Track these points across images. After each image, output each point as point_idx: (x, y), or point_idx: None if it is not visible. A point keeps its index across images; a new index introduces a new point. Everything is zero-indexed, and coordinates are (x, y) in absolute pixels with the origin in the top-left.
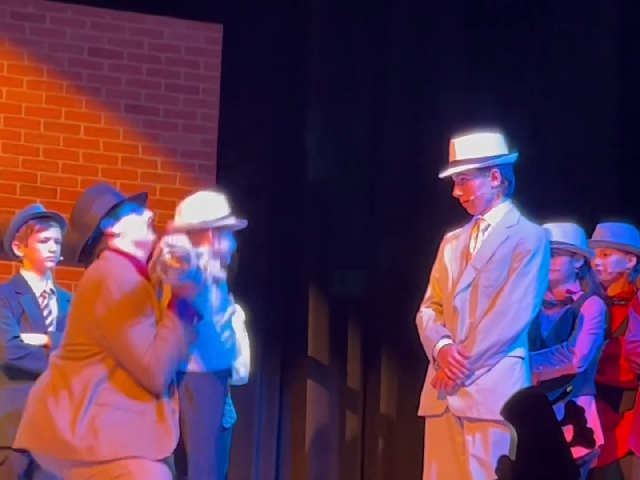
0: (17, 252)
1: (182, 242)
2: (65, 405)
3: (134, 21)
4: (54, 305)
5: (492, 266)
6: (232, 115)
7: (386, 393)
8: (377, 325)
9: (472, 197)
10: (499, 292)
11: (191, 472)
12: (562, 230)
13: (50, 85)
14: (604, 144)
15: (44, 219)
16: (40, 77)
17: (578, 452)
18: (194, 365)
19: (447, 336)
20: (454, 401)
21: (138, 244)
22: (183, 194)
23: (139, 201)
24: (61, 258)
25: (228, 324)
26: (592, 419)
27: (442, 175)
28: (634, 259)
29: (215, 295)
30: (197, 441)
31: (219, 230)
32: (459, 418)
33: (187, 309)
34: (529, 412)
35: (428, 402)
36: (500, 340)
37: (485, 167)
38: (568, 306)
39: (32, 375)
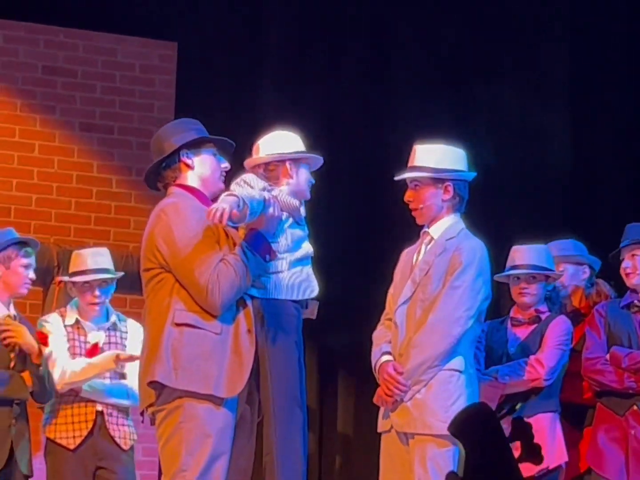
0: None
1: (249, 180)
2: (148, 331)
3: (88, 39)
4: None
5: (429, 280)
6: None
7: (343, 410)
8: (333, 343)
9: (420, 206)
10: (431, 306)
11: (273, 398)
12: (536, 254)
13: (4, 104)
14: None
15: (22, 244)
16: None
17: (529, 470)
18: (262, 292)
19: (388, 352)
20: (395, 417)
21: (207, 184)
22: (139, 212)
23: (224, 149)
24: (30, 288)
25: (301, 262)
26: (557, 435)
27: (397, 177)
28: (588, 271)
29: (288, 231)
30: (277, 368)
31: (296, 163)
32: (404, 434)
33: (261, 242)
34: (476, 428)
35: (380, 418)
36: (433, 355)
37: (439, 179)
38: (535, 325)
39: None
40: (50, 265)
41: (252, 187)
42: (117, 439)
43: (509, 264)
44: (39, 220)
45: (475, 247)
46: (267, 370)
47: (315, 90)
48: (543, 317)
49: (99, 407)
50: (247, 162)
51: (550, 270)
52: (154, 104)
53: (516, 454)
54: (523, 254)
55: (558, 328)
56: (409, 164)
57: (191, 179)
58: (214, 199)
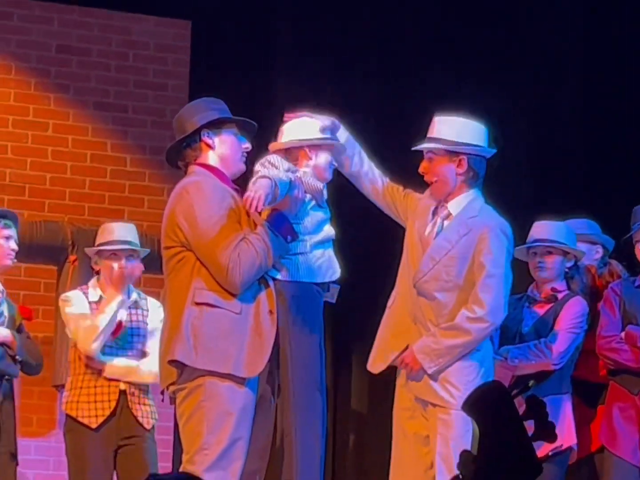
0: None
1: (273, 161)
2: (168, 310)
3: (103, 18)
4: (4, 305)
5: (453, 261)
6: None
7: (357, 389)
8: (347, 321)
9: (435, 179)
10: (458, 289)
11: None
12: (556, 229)
13: (19, 83)
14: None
15: (3, 217)
16: (8, 74)
17: (543, 449)
18: (284, 274)
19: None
20: (415, 385)
21: (227, 164)
22: (152, 191)
23: (246, 129)
24: (15, 260)
25: (323, 244)
26: (567, 417)
27: (414, 148)
28: (601, 250)
29: (311, 213)
30: (298, 352)
31: (316, 147)
32: (423, 402)
33: (283, 223)
34: (490, 406)
35: (399, 388)
36: (472, 342)
37: (454, 152)
38: (552, 304)
39: None
40: (64, 244)
41: (276, 168)
42: (139, 418)
43: (528, 239)
44: (53, 199)
45: (502, 229)
46: (287, 353)
47: (330, 67)
48: (560, 296)
49: (122, 386)
50: (270, 146)
51: (568, 245)
52: (168, 83)
53: (530, 432)
54: (541, 229)
55: (572, 310)
56: (428, 135)
57: (212, 158)
58: (235, 179)
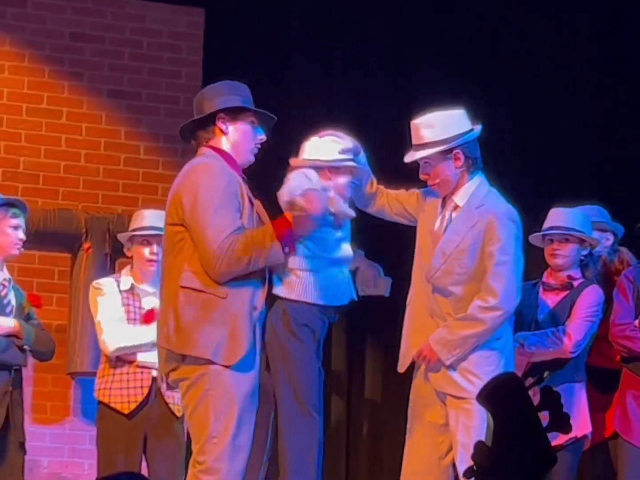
0: None
1: (311, 177)
2: (162, 293)
3: (116, 6)
4: (12, 294)
5: (464, 254)
6: None
7: (371, 377)
8: (361, 308)
9: (437, 181)
10: (471, 280)
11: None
12: (573, 216)
13: (32, 71)
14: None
15: (9, 206)
16: (22, 62)
17: (560, 439)
18: (292, 292)
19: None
20: (434, 377)
21: (238, 153)
22: (166, 179)
23: (263, 122)
24: (22, 250)
25: (339, 265)
26: (582, 406)
27: (406, 161)
28: (611, 237)
29: (331, 231)
30: (296, 374)
31: (336, 169)
32: (443, 394)
33: (290, 233)
34: (504, 397)
35: (416, 378)
36: (488, 331)
37: (446, 150)
38: (567, 292)
39: None
40: (78, 232)
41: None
42: (171, 406)
43: (545, 225)
44: (67, 187)
45: (509, 216)
46: (284, 377)
47: (345, 56)
48: (575, 283)
49: (155, 373)
50: (292, 162)
51: (585, 234)
52: (182, 71)
53: (544, 423)
54: (558, 216)
55: (589, 298)
56: (413, 142)
57: (224, 143)
58: (243, 170)
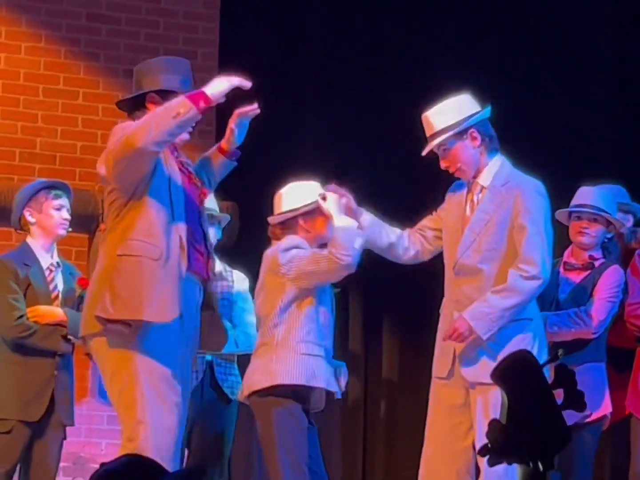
0: (29, 218)
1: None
2: (99, 260)
3: None
4: (59, 279)
5: (493, 229)
6: None
7: (388, 356)
8: (378, 289)
9: (458, 165)
10: (521, 257)
11: None
12: (603, 197)
13: (49, 52)
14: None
15: (51, 188)
16: (38, 43)
17: (573, 418)
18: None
19: None
20: (465, 367)
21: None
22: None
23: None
24: (70, 229)
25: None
26: (602, 386)
27: (424, 152)
28: (631, 219)
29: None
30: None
31: (310, 214)
32: (472, 383)
33: (200, 92)
34: (518, 375)
35: (439, 363)
36: (526, 299)
37: (461, 131)
38: (588, 272)
39: (41, 351)
40: (94, 212)
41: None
42: (224, 389)
43: (573, 202)
44: (84, 167)
45: (536, 189)
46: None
47: (360, 41)
48: (597, 264)
49: (208, 357)
50: (270, 220)
51: (612, 216)
52: (198, 51)
53: (559, 401)
54: (588, 195)
55: (611, 279)
56: (427, 134)
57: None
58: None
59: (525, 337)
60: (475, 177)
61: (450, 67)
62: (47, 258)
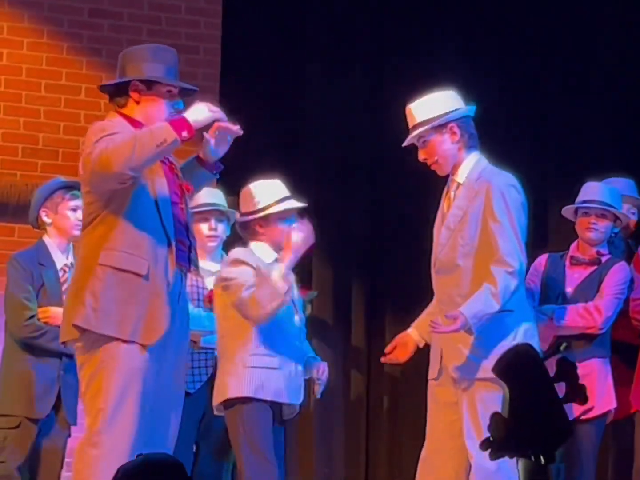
0: (45, 218)
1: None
2: (77, 267)
3: None
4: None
5: (466, 225)
6: (233, 75)
7: None
8: (381, 284)
9: (435, 158)
10: (474, 250)
11: None
12: (610, 193)
13: (51, 47)
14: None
15: (68, 188)
16: (40, 38)
17: (576, 411)
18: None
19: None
20: (449, 363)
21: (150, 124)
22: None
23: (187, 93)
24: None
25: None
26: (607, 381)
27: (405, 143)
28: (636, 212)
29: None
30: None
31: (265, 219)
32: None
33: (182, 119)
34: (520, 368)
35: (432, 363)
36: (505, 293)
37: (441, 125)
38: (595, 267)
39: (50, 352)
40: None
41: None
42: None
43: (579, 198)
44: None
45: (507, 182)
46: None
47: (365, 36)
48: (603, 259)
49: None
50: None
51: (619, 211)
52: (200, 46)
53: (561, 394)
54: (595, 190)
55: (618, 275)
56: (409, 126)
57: (136, 113)
58: None
59: (505, 329)
60: (452, 174)
61: (450, 67)
62: (62, 258)
